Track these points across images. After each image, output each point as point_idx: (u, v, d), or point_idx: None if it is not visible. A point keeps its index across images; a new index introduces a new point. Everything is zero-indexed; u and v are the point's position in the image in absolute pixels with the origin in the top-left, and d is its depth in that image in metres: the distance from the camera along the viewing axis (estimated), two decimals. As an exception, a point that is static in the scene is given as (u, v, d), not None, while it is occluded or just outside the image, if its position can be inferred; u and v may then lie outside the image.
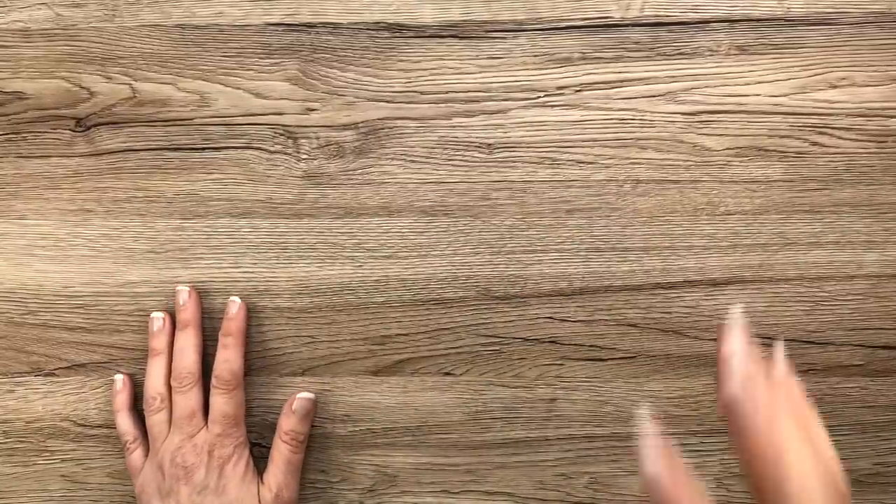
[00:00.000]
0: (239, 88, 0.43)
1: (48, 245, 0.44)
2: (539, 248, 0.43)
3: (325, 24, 0.43)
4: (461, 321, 0.43)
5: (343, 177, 0.43)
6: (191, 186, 0.43)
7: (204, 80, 0.43)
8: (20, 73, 0.43)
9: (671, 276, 0.43)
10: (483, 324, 0.43)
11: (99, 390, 0.44)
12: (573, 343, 0.43)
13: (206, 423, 0.42)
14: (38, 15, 0.43)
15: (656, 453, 0.28)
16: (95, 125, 0.43)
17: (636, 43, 0.42)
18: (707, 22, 0.42)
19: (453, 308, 0.43)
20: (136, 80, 0.43)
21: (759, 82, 0.42)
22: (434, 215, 0.43)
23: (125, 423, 0.43)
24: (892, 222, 0.42)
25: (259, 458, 0.43)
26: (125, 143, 0.43)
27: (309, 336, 0.44)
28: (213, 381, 0.42)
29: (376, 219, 0.43)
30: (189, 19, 0.43)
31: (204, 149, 0.43)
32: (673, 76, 0.42)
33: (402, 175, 0.43)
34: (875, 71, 0.42)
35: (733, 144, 0.42)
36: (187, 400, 0.41)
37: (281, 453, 0.42)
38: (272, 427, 0.43)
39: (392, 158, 0.43)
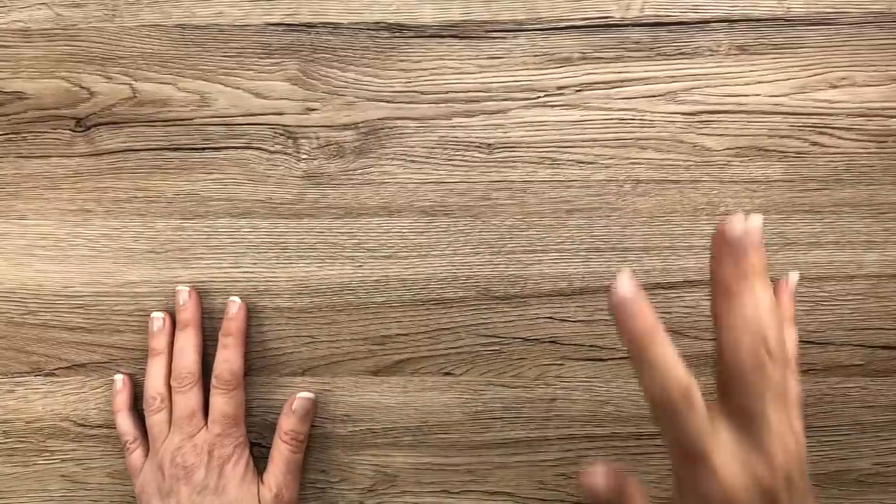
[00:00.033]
0: (239, 88, 0.43)
1: (48, 245, 0.44)
2: (539, 248, 0.43)
3: (325, 24, 0.43)
4: (461, 321, 0.43)
5: (343, 177, 0.43)
6: (191, 186, 0.43)
7: (204, 80, 0.43)
8: (20, 73, 0.43)
9: (671, 276, 0.43)
10: (483, 324, 0.43)
11: (99, 390, 0.44)
12: (573, 343, 0.43)
13: (206, 423, 0.42)
14: (38, 15, 0.43)
15: (601, 469, 0.27)
16: (95, 125, 0.43)
17: (636, 43, 0.42)
18: (707, 22, 0.42)
19: (453, 308, 0.43)
20: (136, 80, 0.43)
21: (759, 82, 0.42)
22: (434, 215, 0.43)
23: (125, 423, 0.43)
24: (892, 222, 0.42)
25: (259, 458, 0.43)
26: (125, 143, 0.43)
27: (309, 336, 0.44)
28: (213, 381, 0.42)
29: (376, 219, 0.43)
30: (189, 19, 0.43)
31: (204, 149, 0.43)
32: (673, 76, 0.42)
33: (402, 175, 0.43)
34: (875, 71, 0.42)
35: (733, 144, 0.42)
36: (187, 400, 0.41)
37: (281, 453, 0.42)
38: (272, 427, 0.43)
39: (392, 158, 0.43)
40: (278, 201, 0.43)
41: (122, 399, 0.43)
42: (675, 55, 0.42)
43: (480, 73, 0.43)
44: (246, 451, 0.42)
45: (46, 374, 0.44)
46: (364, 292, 0.43)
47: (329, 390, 0.44)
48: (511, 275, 0.43)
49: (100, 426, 0.44)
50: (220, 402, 0.41)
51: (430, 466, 0.44)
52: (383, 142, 0.43)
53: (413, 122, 0.43)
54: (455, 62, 0.43)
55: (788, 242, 0.43)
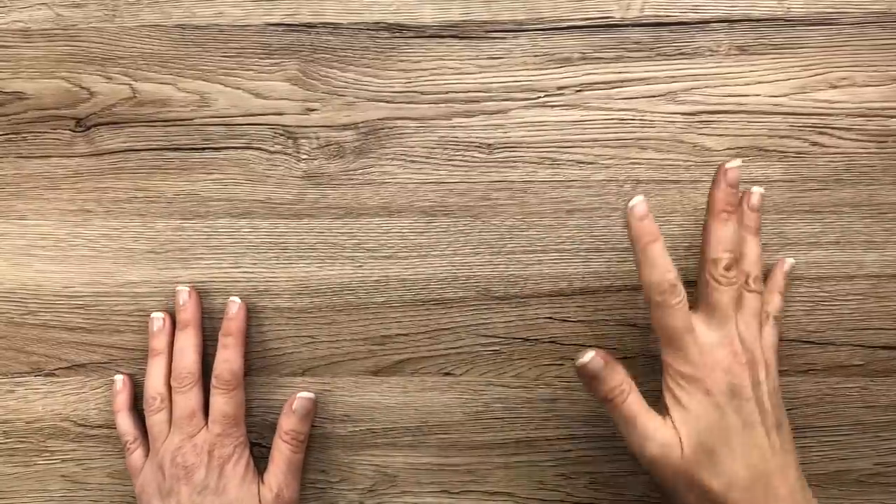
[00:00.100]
0: (239, 88, 0.43)
1: (48, 245, 0.44)
2: (539, 248, 0.43)
3: (325, 24, 0.43)
4: (461, 321, 0.43)
5: (343, 177, 0.43)
6: (191, 186, 0.43)
7: (204, 80, 0.43)
8: (20, 73, 0.43)
9: (671, 276, 0.43)
10: (483, 324, 0.43)
11: (99, 390, 0.44)
12: (573, 343, 0.43)
13: (207, 423, 0.42)
14: (38, 15, 0.43)
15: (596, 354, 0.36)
16: (95, 125, 0.43)
17: (636, 43, 0.42)
18: (707, 22, 0.42)
19: (453, 308, 0.43)
20: (136, 80, 0.43)
21: (759, 82, 0.42)
22: (434, 215, 0.43)
23: (125, 423, 0.43)
24: (892, 222, 0.42)
25: (259, 458, 0.43)
26: (125, 143, 0.43)
27: (309, 336, 0.44)
28: (213, 381, 0.42)
29: (376, 219, 0.43)
30: (189, 19, 0.43)
31: (204, 149, 0.43)
32: (673, 76, 0.42)
33: (402, 175, 0.43)
34: (875, 71, 0.42)
35: (733, 144, 0.42)
36: (187, 400, 0.41)
37: (281, 453, 0.42)
38: (272, 427, 0.43)
39: (392, 158, 0.43)
40: (278, 201, 0.43)
41: (122, 399, 0.43)
42: (675, 55, 0.42)
43: (480, 73, 0.43)
44: (246, 450, 0.42)
45: (46, 374, 0.44)
46: (364, 292, 0.43)
47: (329, 390, 0.44)
48: (511, 275, 0.43)
49: (100, 426, 0.44)
50: (220, 402, 0.41)
51: (430, 466, 0.44)
52: (383, 142, 0.43)
53: (413, 122, 0.43)
54: (455, 62, 0.43)
55: (788, 242, 0.43)
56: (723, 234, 0.36)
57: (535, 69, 0.42)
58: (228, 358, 0.41)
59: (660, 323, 0.35)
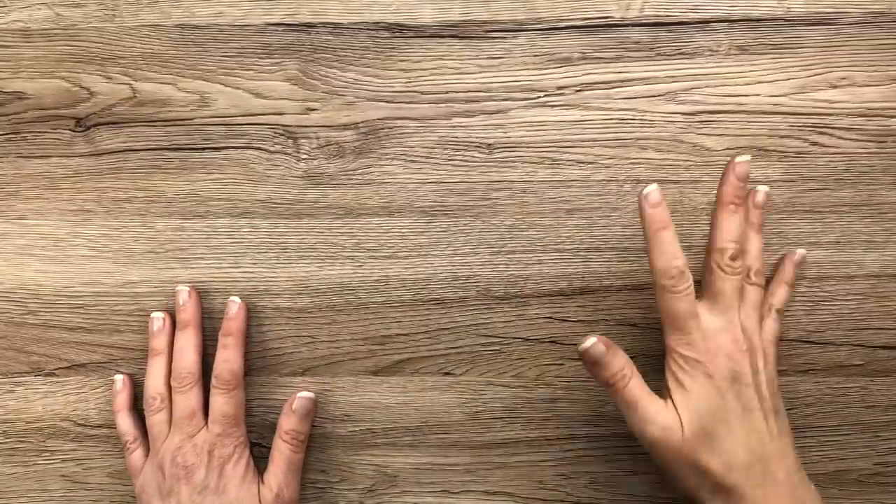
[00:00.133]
0: (239, 88, 0.43)
1: (48, 245, 0.44)
2: (539, 248, 0.43)
3: (325, 24, 0.43)
4: (461, 321, 0.43)
5: (343, 177, 0.43)
6: (191, 186, 0.43)
7: (204, 80, 0.43)
8: (20, 73, 0.43)
9: (671, 276, 0.43)
10: (483, 324, 0.43)
11: (99, 390, 0.44)
12: (573, 343, 0.43)
13: (207, 422, 0.42)
14: (38, 15, 0.43)
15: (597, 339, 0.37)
16: (95, 125, 0.43)
17: (636, 43, 0.42)
18: (707, 22, 0.42)
19: (453, 308, 0.43)
20: (136, 80, 0.43)
21: (759, 82, 0.42)
22: (434, 215, 0.43)
23: (125, 423, 0.43)
24: (892, 222, 0.42)
25: (259, 458, 0.43)
26: (125, 143, 0.43)
27: (309, 336, 0.44)
28: (213, 381, 0.42)
29: (376, 219, 0.43)
30: (189, 19, 0.43)
31: (204, 149, 0.43)
32: (673, 76, 0.42)
33: (402, 175, 0.43)
34: (875, 71, 0.42)
35: (733, 144, 0.42)
36: (187, 400, 0.41)
37: (281, 453, 0.42)
38: (272, 427, 0.43)
39: (392, 158, 0.43)
40: (278, 201, 0.43)
41: (122, 399, 0.43)
42: (675, 55, 0.42)
43: (480, 73, 0.43)
44: (246, 450, 0.42)
45: (46, 374, 0.44)
46: (364, 292, 0.43)
47: (329, 390, 0.44)
48: (511, 275, 0.43)
49: (100, 426, 0.44)
50: (220, 402, 0.41)
51: (430, 466, 0.44)
52: (383, 142, 0.43)
53: (413, 122, 0.43)
54: (455, 62, 0.43)
55: (788, 242, 0.43)
56: (729, 225, 0.37)
57: (535, 69, 0.42)
58: (228, 358, 0.41)
59: (666, 308, 0.36)
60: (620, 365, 0.37)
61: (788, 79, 0.42)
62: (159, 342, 0.43)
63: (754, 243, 0.39)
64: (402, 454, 0.44)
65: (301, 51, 0.43)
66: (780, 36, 0.42)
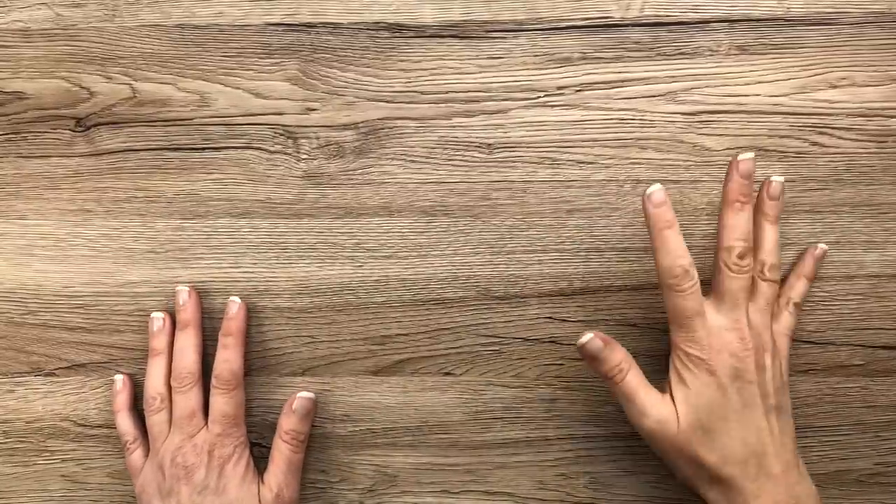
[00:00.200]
0: (239, 88, 0.43)
1: (48, 245, 0.44)
2: (539, 248, 0.43)
3: (325, 24, 0.43)
4: (461, 321, 0.43)
5: (343, 177, 0.43)
6: (191, 186, 0.43)
7: (204, 80, 0.43)
8: (20, 73, 0.43)
9: (671, 276, 0.43)
10: (483, 324, 0.43)
11: (99, 390, 0.44)
12: (573, 343, 0.43)
13: (207, 422, 0.42)
14: (38, 15, 0.43)
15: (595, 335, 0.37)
16: (95, 125, 0.43)
17: (636, 43, 0.42)
18: (707, 22, 0.42)
19: (453, 308, 0.43)
20: (136, 80, 0.43)
21: (759, 82, 0.42)
22: (434, 215, 0.43)
23: (125, 423, 0.43)
24: (892, 222, 0.42)
25: (259, 458, 0.43)
26: (125, 143, 0.43)
27: (309, 336, 0.44)
28: (213, 381, 0.42)
29: (376, 219, 0.43)
30: (189, 19, 0.43)
31: (204, 149, 0.43)
32: (673, 76, 0.42)
33: (402, 175, 0.43)
34: (875, 71, 0.42)
35: (733, 144, 0.42)
36: (187, 400, 0.41)
37: (281, 453, 0.42)
38: (272, 427, 0.43)
39: (392, 158, 0.43)
40: (278, 201, 0.43)
41: (122, 399, 0.43)
42: (675, 55, 0.42)
43: (480, 73, 0.43)
44: (246, 451, 0.42)
45: (46, 374, 0.44)
46: (364, 292, 0.43)
47: (329, 390, 0.44)
48: (511, 275, 0.43)
49: (100, 426, 0.44)
50: (220, 402, 0.41)
51: (430, 466, 0.44)
52: (383, 142, 0.43)
53: (413, 122, 0.43)
54: (455, 62, 0.43)
55: (788, 242, 0.43)
56: (736, 223, 0.37)
57: (535, 69, 0.42)
58: (228, 358, 0.41)
59: (672, 306, 0.37)
60: (618, 359, 0.37)
61: (788, 79, 0.42)
62: (159, 342, 0.43)
63: (769, 236, 0.39)
64: (402, 454, 0.44)
65: (301, 51, 0.43)
66: (781, 36, 0.42)
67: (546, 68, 0.42)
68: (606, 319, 0.43)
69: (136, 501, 0.42)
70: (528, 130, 0.43)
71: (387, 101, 0.43)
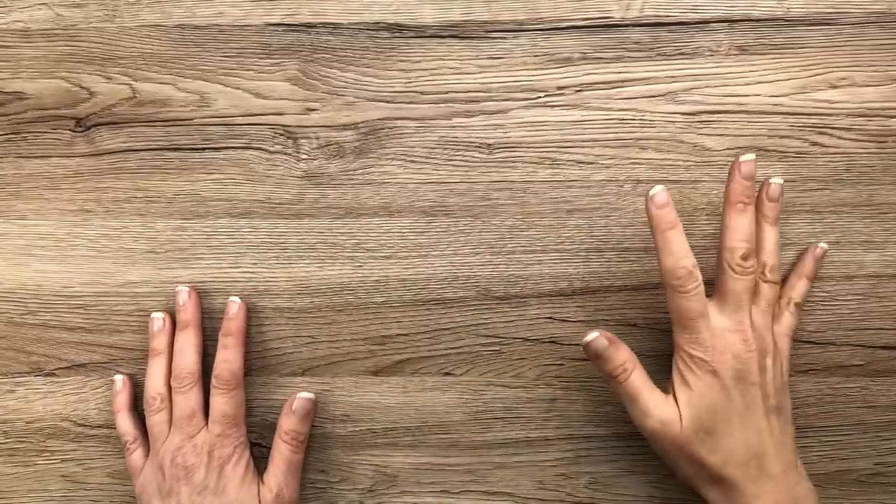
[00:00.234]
0: (239, 88, 0.43)
1: (48, 245, 0.44)
2: (539, 248, 0.43)
3: (325, 24, 0.43)
4: (461, 321, 0.43)
5: (343, 177, 0.43)
6: (191, 186, 0.43)
7: (204, 80, 0.43)
8: (20, 73, 0.43)
9: (671, 276, 0.43)
10: (483, 324, 0.43)
11: (99, 390, 0.44)
12: (573, 343, 0.43)
13: (207, 423, 0.42)
14: (38, 15, 0.43)
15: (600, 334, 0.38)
16: (95, 125, 0.43)
17: (636, 43, 0.42)
18: (707, 22, 0.42)
19: (453, 308, 0.43)
20: (136, 80, 0.43)
21: (759, 82, 0.42)
22: (434, 215, 0.43)
23: (125, 423, 0.43)
24: (892, 222, 0.42)
25: (259, 458, 0.43)
26: (125, 143, 0.43)
27: (309, 336, 0.44)
28: (213, 381, 0.42)
29: (376, 219, 0.43)
30: (189, 19, 0.43)
31: (204, 149, 0.43)
32: (673, 76, 0.42)
33: (402, 175, 0.43)
34: (875, 71, 0.42)
35: (733, 144, 0.42)
36: (187, 400, 0.41)
37: (281, 453, 0.42)
38: (272, 427, 0.43)
39: (392, 158, 0.43)
40: (278, 201, 0.43)
41: (122, 399, 0.43)
42: (675, 55, 0.42)
43: (480, 73, 0.43)
44: (246, 451, 0.42)
45: (46, 374, 0.44)
46: (364, 292, 0.43)
47: (329, 390, 0.44)
48: (511, 275, 0.43)
49: (100, 426, 0.44)
50: (220, 402, 0.41)
51: (430, 466, 0.44)
52: (383, 142, 0.43)
53: (413, 122, 0.43)
54: (455, 62, 0.43)
55: (788, 242, 0.43)
56: (739, 224, 0.37)
57: (535, 69, 0.42)
58: (228, 358, 0.41)
59: (675, 307, 0.37)
60: (622, 359, 0.38)
61: (788, 79, 0.42)
62: (159, 342, 0.43)
63: (769, 237, 0.39)
64: (402, 454, 0.44)
65: (301, 51, 0.43)
66: (780, 36, 0.42)
67: (546, 68, 0.42)
68: (606, 319, 0.43)
69: (136, 501, 0.42)
70: (528, 130, 0.43)
71: (387, 101, 0.43)
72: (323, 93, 0.43)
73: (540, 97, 0.42)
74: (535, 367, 0.44)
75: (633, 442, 0.43)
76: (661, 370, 0.42)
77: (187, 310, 0.42)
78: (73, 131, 0.43)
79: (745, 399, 0.36)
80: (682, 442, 0.37)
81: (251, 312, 0.43)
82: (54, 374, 0.44)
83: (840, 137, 0.42)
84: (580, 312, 0.43)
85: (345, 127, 0.43)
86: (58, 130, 0.43)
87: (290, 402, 0.42)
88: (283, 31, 0.43)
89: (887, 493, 0.43)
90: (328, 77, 0.43)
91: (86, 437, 0.45)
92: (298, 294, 0.44)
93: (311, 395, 0.43)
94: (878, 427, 0.43)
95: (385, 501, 0.44)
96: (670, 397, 0.37)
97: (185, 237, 0.44)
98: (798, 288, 0.41)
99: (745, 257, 0.37)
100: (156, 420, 0.42)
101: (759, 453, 0.36)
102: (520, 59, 0.42)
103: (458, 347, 0.44)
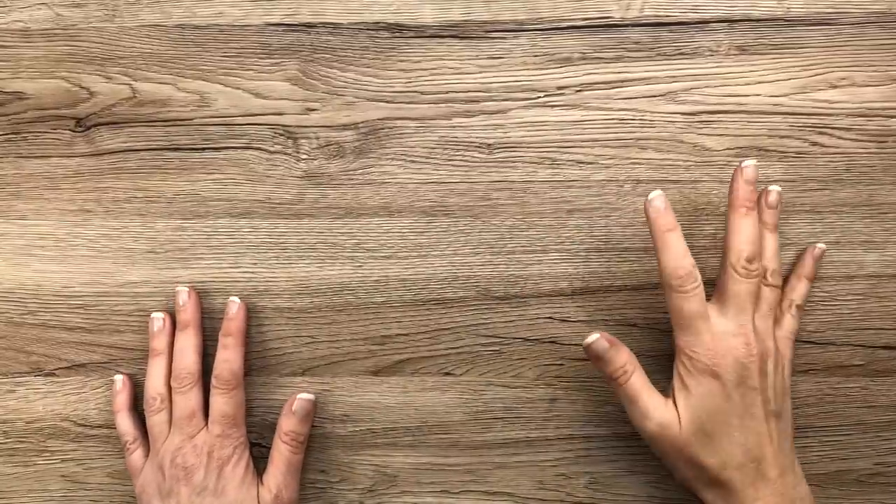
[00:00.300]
0: (239, 88, 0.43)
1: (48, 245, 0.44)
2: (539, 248, 0.43)
3: (325, 24, 0.43)
4: (461, 321, 0.43)
5: (343, 177, 0.43)
6: (191, 186, 0.43)
7: (204, 80, 0.43)
8: (20, 73, 0.43)
9: (671, 276, 0.43)
10: (483, 324, 0.43)
11: (99, 390, 0.44)
12: (573, 343, 0.43)
13: (207, 423, 0.42)
14: (38, 15, 0.43)
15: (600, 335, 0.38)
16: (95, 125, 0.43)
17: (636, 43, 0.42)
18: (707, 22, 0.42)
19: (453, 308, 0.43)
20: (136, 80, 0.43)
21: (759, 82, 0.42)
22: (434, 215, 0.43)
23: (125, 423, 0.43)
24: (892, 222, 0.42)
25: (259, 458, 0.43)
26: (125, 143, 0.43)
27: (309, 336, 0.44)
28: (213, 381, 0.41)
29: (376, 219, 0.43)
30: (189, 19, 0.43)
31: (204, 149, 0.43)
32: (673, 76, 0.42)
33: (402, 175, 0.43)
34: (875, 71, 0.42)
35: (733, 144, 0.42)
36: (187, 400, 0.41)
37: (281, 454, 0.42)
38: (272, 427, 0.43)
39: (392, 158, 0.43)
40: (278, 201, 0.43)
41: (122, 399, 0.43)
42: (675, 55, 0.42)
43: (480, 73, 0.43)
44: (246, 452, 0.42)
45: (46, 374, 0.44)
46: (364, 292, 0.43)
47: (329, 390, 0.44)
48: (511, 275, 0.43)
49: (100, 426, 0.44)
50: (220, 403, 0.41)
51: (430, 466, 0.44)
52: (383, 142, 0.43)
53: (413, 122, 0.43)
54: (455, 62, 0.43)
55: (788, 242, 0.43)
56: (743, 227, 0.37)
57: (535, 69, 0.42)
58: (228, 358, 0.41)
59: (675, 308, 0.37)
60: (623, 361, 0.38)
61: (788, 79, 0.42)
62: (159, 342, 0.43)
63: (770, 243, 0.39)
64: (402, 454, 0.44)
65: (301, 51, 0.43)
66: (780, 36, 0.42)
67: (546, 68, 0.42)
68: (606, 319, 0.43)
69: (136, 502, 0.42)
70: (528, 130, 0.43)
71: (387, 101, 0.43)
72: (323, 93, 0.43)
73: (540, 97, 0.42)
74: (535, 367, 0.44)
75: (633, 442, 0.43)
76: (661, 370, 0.42)
77: (187, 310, 0.42)
78: (73, 131, 0.43)
79: (744, 403, 0.36)
80: (681, 444, 0.37)
81: (251, 312, 0.43)
82: (54, 374, 0.44)
83: (840, 137, 0.42)
84: (580, 312, 0.43)
85: (345, 127, 0.43)
86: (58, 130, 0.43)
87: (289, 402, 0.42)
88: (283, 31, 0.43)
89: (887, 493, 0.43)
90: (328, 77, 0.43)
91: (86, 437, 0.45)
92: (298, 294, 0.44)
93: (310, 396, 0.43)
94: (878, 427, 0.43)
95: (385, 501, 0.44)
96: (670, 400, 0.37)
97: (185, 237, 0.44)
98: (798, 289, 0.41)
99: (750, 259, 0.37)
100: (156, 420, 0.42)
101: (758, 457, 0.36)
102: (520, 59, 0.42)
103: (458, 347, 0.44)
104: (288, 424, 0.42)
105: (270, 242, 0.43)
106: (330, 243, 0.43)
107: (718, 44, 0.42)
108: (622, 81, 0.42)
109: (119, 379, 0.43)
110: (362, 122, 0.43)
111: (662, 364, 0.43)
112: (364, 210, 0.43)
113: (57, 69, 0.43)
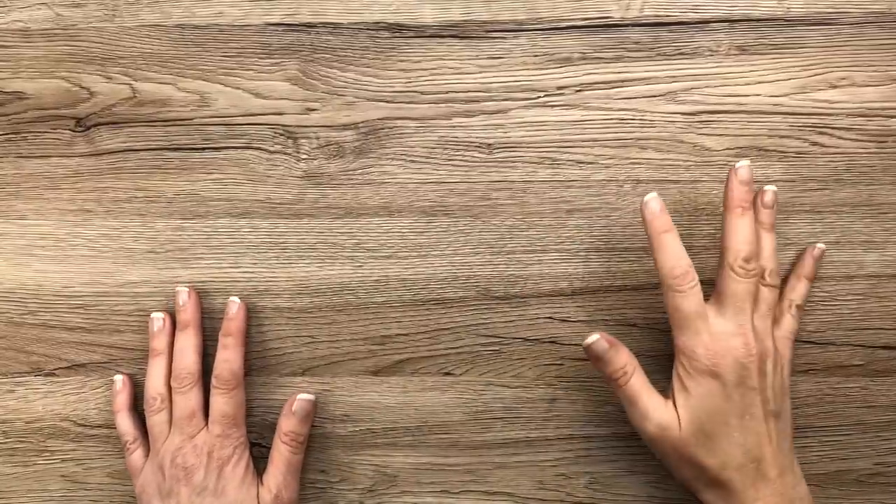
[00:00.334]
0: (239, 88, 0.43)
1: (48, 245, 0.44)
2: (539, 248, 0.43)
3: (325, 24, 0.43)
4: (461, 321, 0.43)
5: (343, 177, 0.43)
6: (191, 186, 0.43)
7: (204, 80, 0.43)
8: (20, 73, 0.43)
9: (671, 276, 0.43)
10: (483, 324, 0.43)
11: (99, 390, 0.44)
12: (573, 343, 0.43)
13: (207, 423, 0.42)
14: (38, 15, 0.43)
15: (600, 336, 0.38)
16: (95, 125, 0.43)
17: (636, 43, 0.42)
18: (707, 22, 0.42)
19: (453, 308, 0.43)
20: (136, 80, 0.43)
21: (759, 82, 0.42)
22: (434, 215, 0.43)
23: (125, 423, 0.43)
24: (892, 222, 0.42)
25: (259, 458, 0.43)
26: (125, 143, 0.43)
27: (309, 336, 0.44)
28: (213, 381, 0.41)
29: (376, 219, 0.43)
30: (189, 19, 0.43)
31: (204, 149, 0.43)
32: (673, 76, 0.42)
33: (402, 175, 0.43)
34: (875, 71, 0.42)
35: (733, 144, 0.42)
36: (187, 400, 0.41)
37: (281, 454, 0.42)
38: (272, 427, 0.43)
39: (392, 158, 0.43)
40: (278, 201, 0.43)
41: (122, 399, 0.43)
42: (675, 55, 0.42)
43: (480, 73, 0.43)
44: (246, 452, 0.42)
45: (46, 374, 0.44)
46: (364, 292, 0.43)
47: (329, 390, 0.44)
48: (511, 275, 0.43)
49: (100, 426, 0.44)
50: (220, 403, 0.41)
51: (430, 466, 0.44)
52: (383, 142, 0.43)
53: (413, 122, 0.43)
54: (455, 62, 0.43)
55: (788, 242, 0.43)
56: (740, 227, 0.37)
57: (535, 69, 0.42)
58: (228, 358, 0.41)
59: (673, 307, 0.37)
60: (622, 362, 0.38)
61: (788, 79, 0.42)
62: (159, 342, 0.43)
63: (767, 243, 0.39)
64: (402, 454, 0.44)
65: (301, 51, 0.43)
66: (780, 36, 0.42)
67: (546, 68, 0.42)
68: (606, 319, 0.43)
69: (136, 501, 0.42)
70: (528, 130, 0.43)
71: (387, 101, 0.43)
72: (323, 93, 0.43)
73: (540, 97, 0.42)
74: (535, 367, 0.44)
75: (632, 442, 0.43)
76: (661, 370, 0.42)
77: (187, 310, 0.42)
78: (73, 131, 0.43)
79: (744, 403, 0.36)
80: (681, 445, 0.37)
81: (251, 312, 0.43)
82: (54, 374, 0.44)
83: (840, 137, 0.42)
84: (580, 312, 0.43)
85: (345, 127, 0.43)
86: (58, 130, 0.43)
87: (289, 402, 0.42)
88: (283, 30, 0.43)
89: (887, 493, 0.43)
90: (328, 77, 0.43)
91: (86, 437, 0.45)
92: (298, 294, 0.44)
93: (310, 397, 0.43)
94: (878, 427, 0.43)
95: (385, 501, 0.44)
96: (669, 401, 0.37)
97: (185, 237, 0.44)
98: (798, 289, 0.41)
99: (747, 259, 0.37)
100: (156, 420, 0.42)
101: (758, 457, 0.36)
102: (520, 59, 0.42)
103: (458, 347, 0.44)
104: (288, 425, 0.42)
105: (270, 242, 0.43)
106: (330, 243, 0.43)
107: (718, 44, 0.42)
108: (622, 81, 0.42)
109: (119, 379, 0.43)
110: (362, 122, 0.43)
111: (662, 364, 0.43)
112: (364, 210, 0.43)
113: (57, 69, 0.43)
